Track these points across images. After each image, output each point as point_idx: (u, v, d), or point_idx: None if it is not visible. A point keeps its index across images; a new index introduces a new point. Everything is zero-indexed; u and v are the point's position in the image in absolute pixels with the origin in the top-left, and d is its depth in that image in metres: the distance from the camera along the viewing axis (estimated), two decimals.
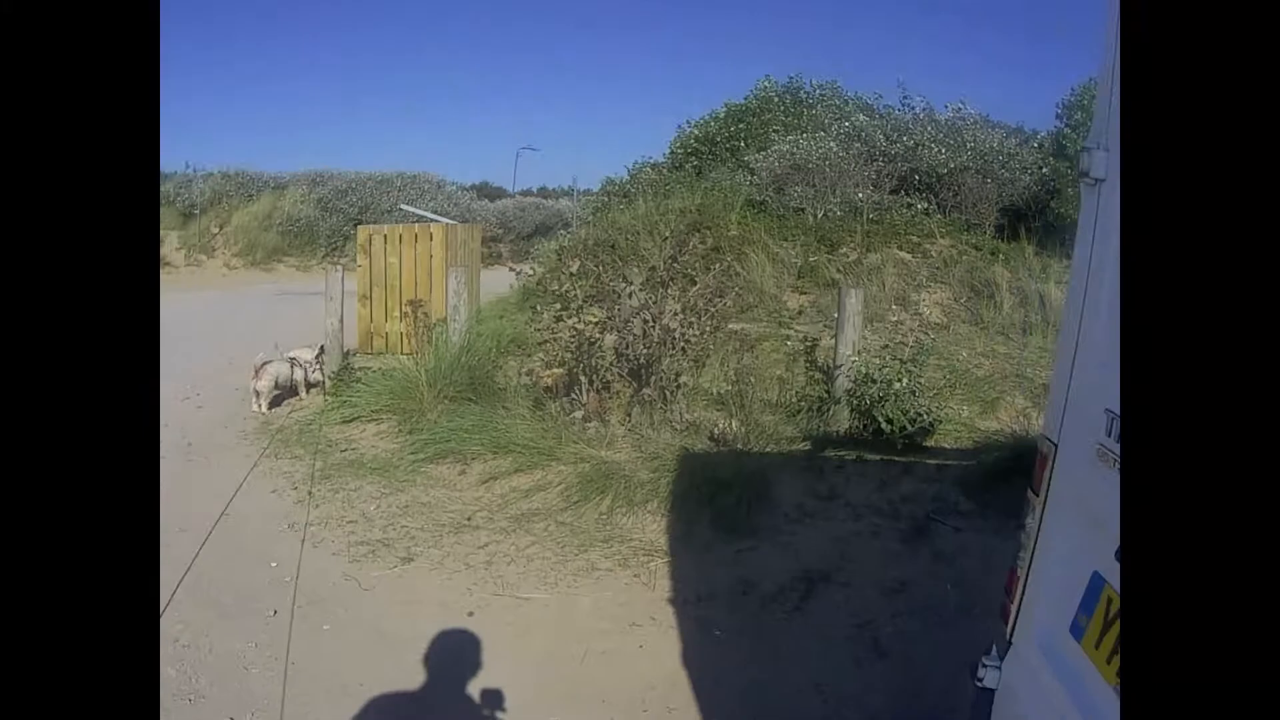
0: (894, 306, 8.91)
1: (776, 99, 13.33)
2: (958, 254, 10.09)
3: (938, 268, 9.89)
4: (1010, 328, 9.39)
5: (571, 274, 7.36)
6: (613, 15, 70.70)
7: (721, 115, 13.49)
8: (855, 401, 6.20)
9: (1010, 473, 5.66)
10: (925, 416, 6.08)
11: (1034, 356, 8.91)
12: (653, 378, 6.50)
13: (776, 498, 5.38)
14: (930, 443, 6.22)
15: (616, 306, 6.72)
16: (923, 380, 6.46)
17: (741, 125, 12.99)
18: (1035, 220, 10.48)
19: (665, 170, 13.24)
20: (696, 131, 13.50)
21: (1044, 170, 10.79)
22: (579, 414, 6.47)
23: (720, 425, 6.34)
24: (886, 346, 6.58)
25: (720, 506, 5.19)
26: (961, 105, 11.86)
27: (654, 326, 6.53)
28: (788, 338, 8.43)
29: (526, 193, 34.12)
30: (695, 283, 7.43)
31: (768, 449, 6.03)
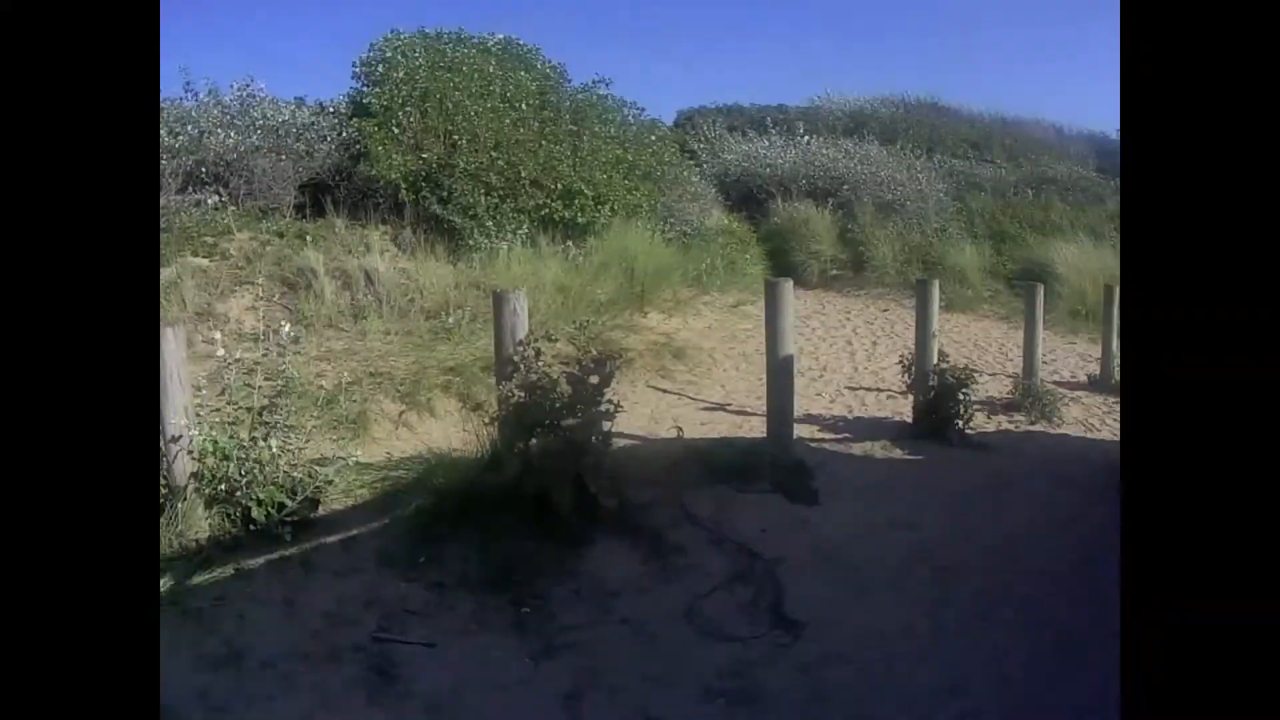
0: (204, 328, 6.89)
1: None
2: (260, 246, 8.60)
3: (240, 267, 8.23)
4: (340, 317, 8.09)
5: None
6: None
7: None
8: (210, 490, 4.18)
9: (443, 522, 4.36)
10: (311, 480, 4.37)
11: (379, 345, 7.73)
12: None
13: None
14: (324, 511, 4.53)
15: None
16: (293, 428, 4.68)
17: None
18: (340, 190, 9.22)
19: None
20: None
21: (344, 134, 9.72)
22: None
23: None
24: (226, 394, 4.59)
25: None
26: (250, 82, 10.42)
27: None
28: None
29: None
30: None
31: None
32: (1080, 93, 46.90)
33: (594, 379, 4.36)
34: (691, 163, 15.65)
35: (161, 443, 3.98)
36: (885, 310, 13.23)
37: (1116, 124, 29.06)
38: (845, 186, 15.92)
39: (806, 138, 18.32)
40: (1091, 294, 12.88)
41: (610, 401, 4.45)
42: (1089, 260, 13.64)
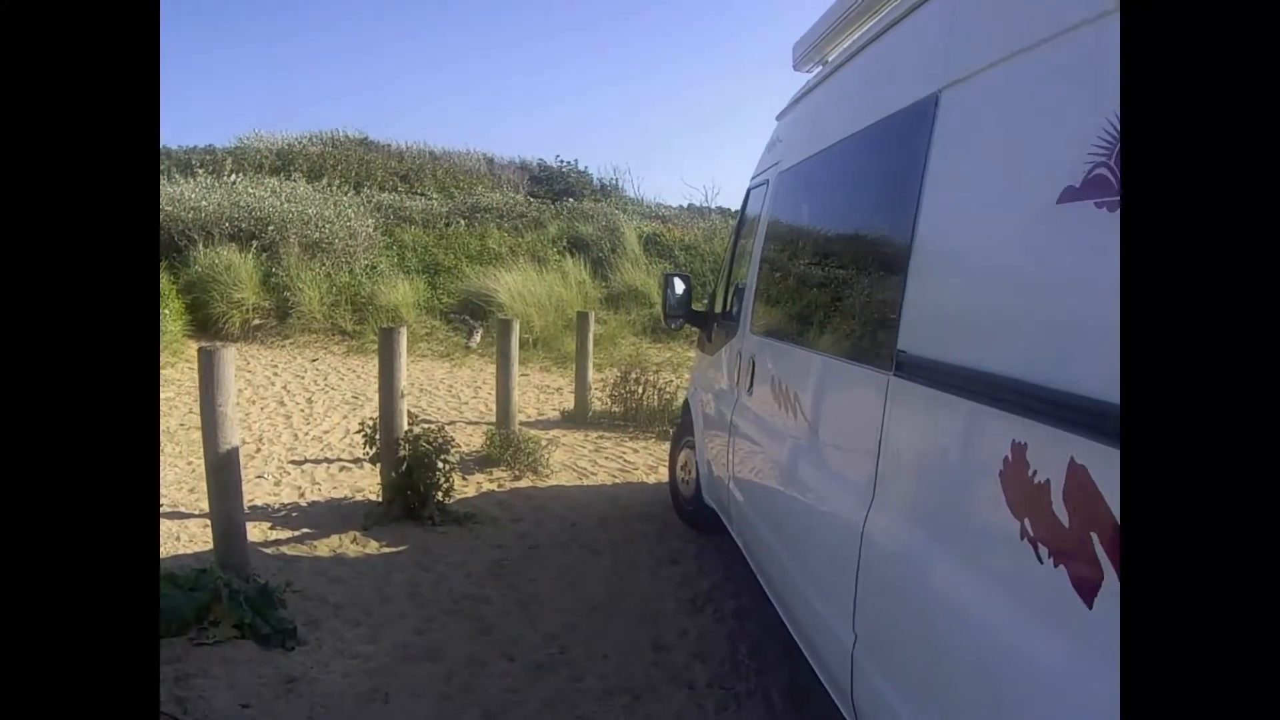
0: None
1: None
2: None
3: None
4: None
5: None
6: None
7: None
8: None
9: None
10: None
11: None
12: None
13: None
14: None
15: None
16: None
17: None
18: None
19: None
20: None
21: None
22: None
23: None
24: None
25: None
26: None
27: None
28: None
29: None
30: None
31: None
32: (507, 124, 50.65)
33: None
34: None
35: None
36: (314, 360, 12.16)
37: (546, 152, 31.66)
38: (271, 227, 14.60)
39: (233, 176, 16.89)
40: (538, 321, 13.16)
41: None
42: (532, 286, 13.93)
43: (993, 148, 2.03)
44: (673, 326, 6.08)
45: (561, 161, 24.55)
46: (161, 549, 5.20)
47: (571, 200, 20.13)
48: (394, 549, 5.26)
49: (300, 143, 22.97)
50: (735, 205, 22.25)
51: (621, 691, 3.67)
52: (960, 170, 2.17)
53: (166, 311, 11.96)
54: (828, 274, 3.33)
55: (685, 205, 23.27)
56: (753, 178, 5.03)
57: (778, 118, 4.69)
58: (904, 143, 2.48)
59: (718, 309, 5.30)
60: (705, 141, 52.34)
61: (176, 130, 49.59)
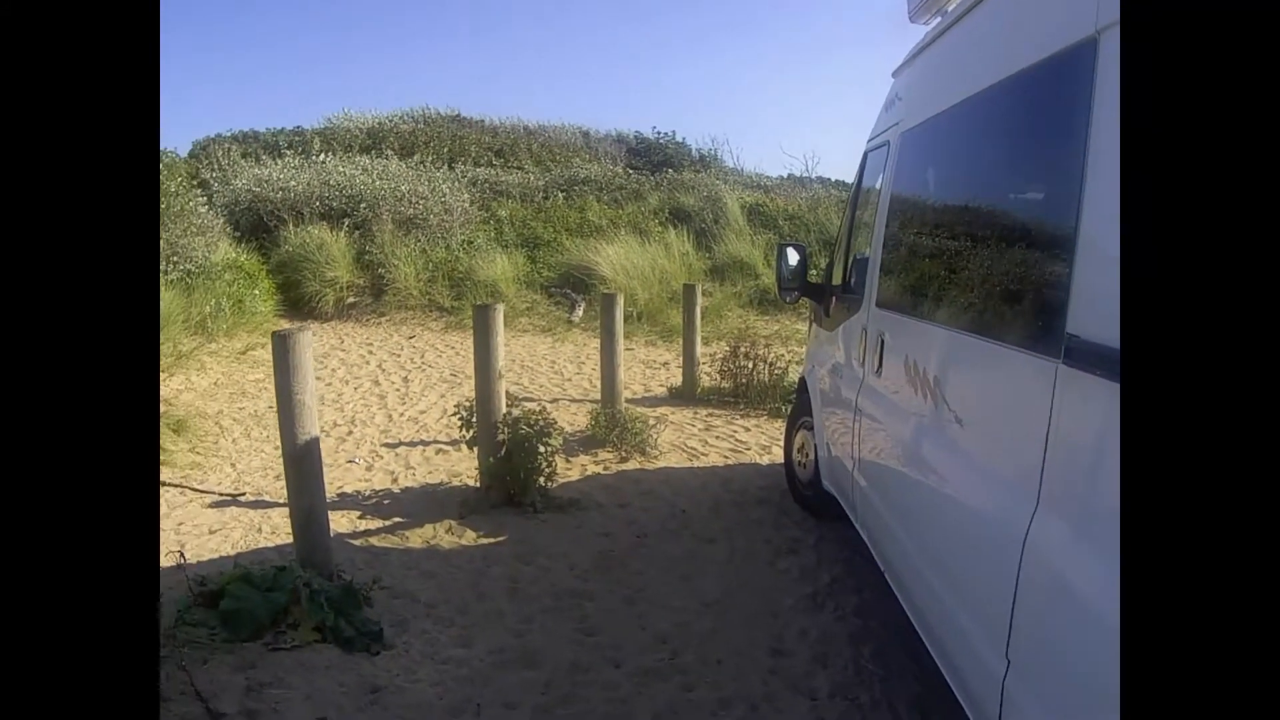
0: None
1: None
2: None
3: None
4: None
5: None
6: None
7: None
8: None
9: None
10: None
11: None
12: None
13: None
14: None
15: None
16: None
17: None
18: None
19: None
20: None
21: None
22: None
23: None
24: None
25: None
26: None
27: None
28: None
29: None
30: None
31: None
32: (598, 100, 50.84)
33: None
34: (201, 194, 13.80)
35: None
36: (411, 338, 12.11)
37: (644, 124, 31.71)
38: (363, 205, 14.70)
39: (322, 156, 17.21)
40: (642, 294, 12.81)
41: None
42: (635, 258, 13.60)
43: None
44: (787, 300, 5.59)
45: (658, 133, 24.15)
46: (242, 542, 5.05)
47: (671, 171, 19.72)
48: (492, 539, 4.98)
49: (391, 121, 23.05)
50: (836, 174, 21.57)
51: (738, 702, 3.30)
52: None
53: (256, 292, 12.16)
54: (968, 243, 2.90)
55: (785, 175, 22.58)
56: (869, 140, 4.62)
57: (894, 74, 4.30)
58: (1060, 94, 2.18)
59: (835, 281, 4.88)
60: (799, 110, 51.35)
61: (261, 115, 51.27)
